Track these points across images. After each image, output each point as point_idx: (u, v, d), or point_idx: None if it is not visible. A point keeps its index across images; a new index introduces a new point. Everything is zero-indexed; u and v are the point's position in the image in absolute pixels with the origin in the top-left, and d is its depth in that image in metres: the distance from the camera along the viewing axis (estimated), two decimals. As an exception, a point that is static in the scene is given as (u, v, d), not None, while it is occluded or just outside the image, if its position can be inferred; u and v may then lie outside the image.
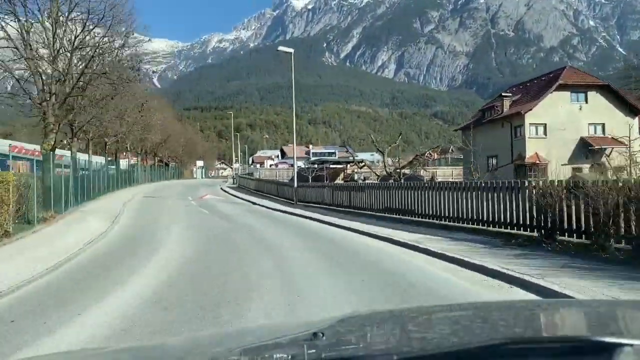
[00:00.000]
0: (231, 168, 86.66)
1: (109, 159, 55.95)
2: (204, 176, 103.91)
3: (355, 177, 50.74)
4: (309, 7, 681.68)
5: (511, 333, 1.57)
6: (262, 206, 28.71)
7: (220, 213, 24.38)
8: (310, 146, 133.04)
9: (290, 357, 1.46)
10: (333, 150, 76.58)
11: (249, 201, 33.12)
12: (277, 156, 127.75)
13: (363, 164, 47.55)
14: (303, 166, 59.56)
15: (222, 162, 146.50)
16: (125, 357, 1.84)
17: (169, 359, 1.72)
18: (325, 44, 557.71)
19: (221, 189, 49.29)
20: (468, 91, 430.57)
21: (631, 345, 1.18)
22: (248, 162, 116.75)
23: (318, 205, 25.97)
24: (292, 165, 35.11)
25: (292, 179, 33.14)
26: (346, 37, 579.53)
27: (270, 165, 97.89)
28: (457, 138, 61.07)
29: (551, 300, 4.10)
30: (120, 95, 37.99)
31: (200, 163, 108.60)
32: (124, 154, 63.75)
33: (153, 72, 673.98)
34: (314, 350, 1.41)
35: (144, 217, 22.26)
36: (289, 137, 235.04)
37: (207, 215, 23.12)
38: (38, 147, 31.56)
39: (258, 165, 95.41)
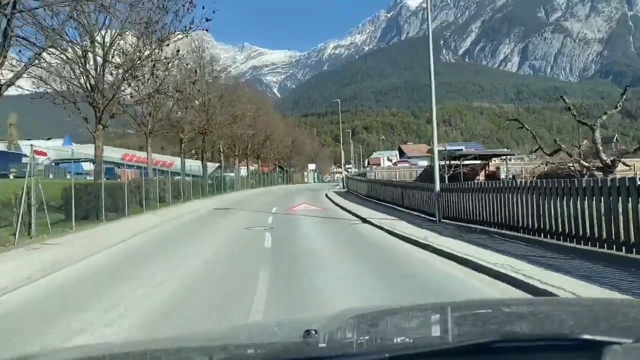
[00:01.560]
0: (346, 171, 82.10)
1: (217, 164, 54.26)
2: (316, 180, 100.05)
3: (502, 175, 45.34)
4: (424, 5, 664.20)
5: (504, 331, 1.58)
6: (380, 227, 15.45)
7: (293, 248, 11.91)
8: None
9: (283, 354, 1.48)
10: (460, 148, 70.93)
11: (357, 215, 20.15)
12: (395, 156, 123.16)
13: (508, 158, 40.87)
14: (428, 165, 52.22)
15: (338, 166, 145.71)
16: (131, 354, 1.78)
17: (171, 357, 1.70)
18: (442, 41, 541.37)
19: (326, 195, 38.21)
20: (603, 81, 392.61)
21: (620, 343, 1.20)
22: (363, 164, 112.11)
23: (496, 230, 12.22)
24: (413, 165, 25.65)
25: (420, 179, 21.85)
26: (464, 33, 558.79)
27: (389, 166, 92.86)
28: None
29: (543, 299, 3.74)
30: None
31: (312, 166, 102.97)
32: (237, 160, 62.36)
33: (273, 82, 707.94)
34: (308, 347, 1.42)
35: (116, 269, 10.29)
36: (407, 137, 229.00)
37: (261, 260, 10.27)
38: (144, 155, 34.67)
39: (374, 167, 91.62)
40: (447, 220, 15.42)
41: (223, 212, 24.04)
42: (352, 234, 14.91)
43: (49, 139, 75.99)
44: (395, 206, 23.26)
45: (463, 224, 14.30)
